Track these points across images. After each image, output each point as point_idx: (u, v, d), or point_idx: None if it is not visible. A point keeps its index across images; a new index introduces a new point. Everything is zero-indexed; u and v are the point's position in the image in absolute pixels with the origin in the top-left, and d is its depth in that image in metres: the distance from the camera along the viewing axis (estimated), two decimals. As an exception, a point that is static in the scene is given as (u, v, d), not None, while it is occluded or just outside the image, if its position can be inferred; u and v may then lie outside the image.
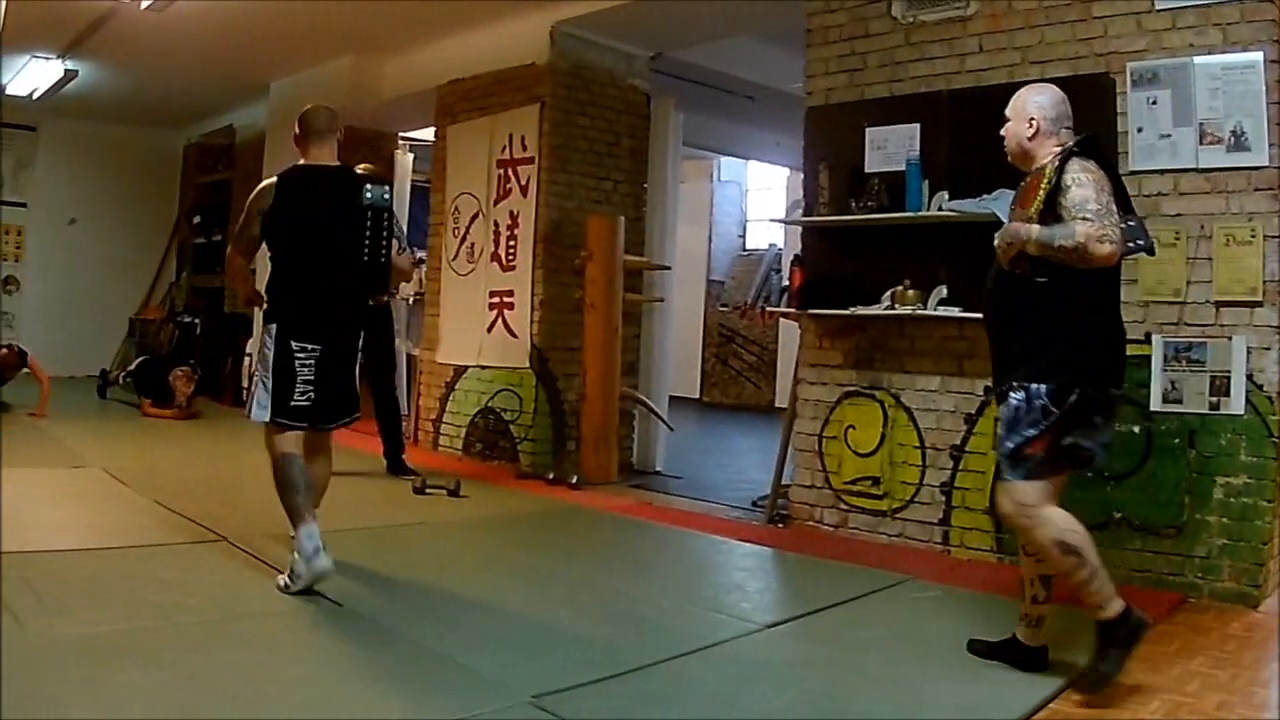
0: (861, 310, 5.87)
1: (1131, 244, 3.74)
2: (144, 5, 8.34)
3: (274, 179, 4.98)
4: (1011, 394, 3.73)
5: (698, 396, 15.81)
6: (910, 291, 5.64)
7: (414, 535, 6.01)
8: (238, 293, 5.80)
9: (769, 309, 7.47)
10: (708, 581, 5.34)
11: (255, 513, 6.15)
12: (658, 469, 8.65)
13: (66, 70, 10.99)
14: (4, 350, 10.34)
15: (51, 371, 12.22)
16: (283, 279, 4.83)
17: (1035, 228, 3.64)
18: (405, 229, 12.47)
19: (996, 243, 3.80)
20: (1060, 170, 3.66)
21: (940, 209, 5.59)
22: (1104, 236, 3.50)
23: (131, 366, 11.31)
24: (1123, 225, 3.62)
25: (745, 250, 16.74)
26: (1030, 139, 3.85)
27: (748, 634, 4.29)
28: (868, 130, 6.04)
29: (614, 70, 8.66)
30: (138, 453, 7.94)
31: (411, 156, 12.47)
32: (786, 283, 6.82)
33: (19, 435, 8.87)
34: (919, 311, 5.63)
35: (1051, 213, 3.63)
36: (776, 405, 14.56)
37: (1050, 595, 3.85)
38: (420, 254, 9.36)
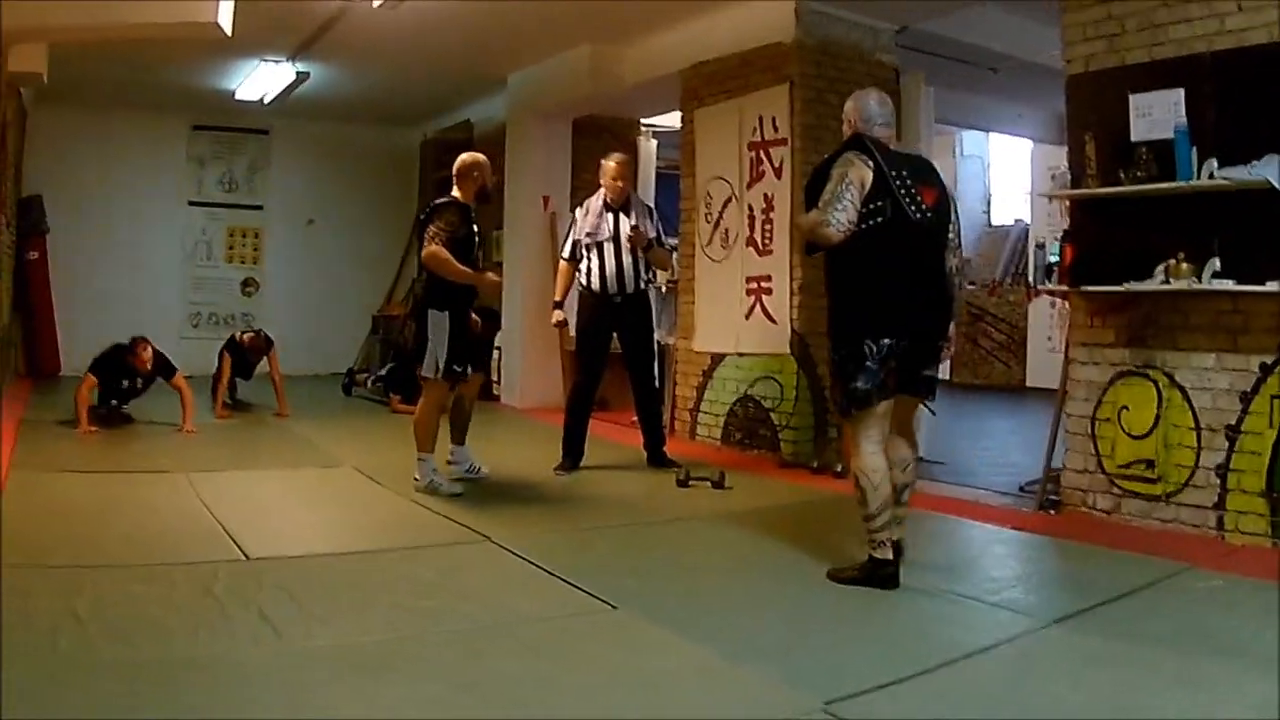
0: (1135, 286, 6.03)
1: (870, 223, 4.77)
2: (376, 3, 8.86)
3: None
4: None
5: (947, 378, 15.77)
6: (1184, 265, 5.79)
7: (681, 530, 6.33)
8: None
9: (1039, 288, 7.57)
10: (986, 574, 5.46)
11: (516, 510, 6.69)
12: (921, 454, 8.80)
13: (298, 73, 11.88)
14: (251, 334, 11.31)
15: (294, 371, 13.39)
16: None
17: (801, 215, 5.02)
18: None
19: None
20: (828, 164, 4.94)
21: (1211, 177, 5.69)
22: (824, 222, 4.76)
23: (382, 371, 12.16)
24: (869, 206, 4.76)
25: (991, 226, 16.84)
26: (846, 134, 5.10)
27: (1034, 630, 4.37)
28: (1131, 97, 6.16)
29: (861, 45, 8.96)
30: (389, 451, 8.39)
31: (654, 143, 13.00)
32: (1054, 258, 6.97)
33: (268, 436, 9.78)
34: (1194, 286, 5.76)
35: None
36: (1028, 385, 14.76)
37: (901, 503, 5.10)
38: (671, 240, 9.80)
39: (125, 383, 9.70)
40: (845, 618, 4.55)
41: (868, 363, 4.83)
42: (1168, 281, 5.86)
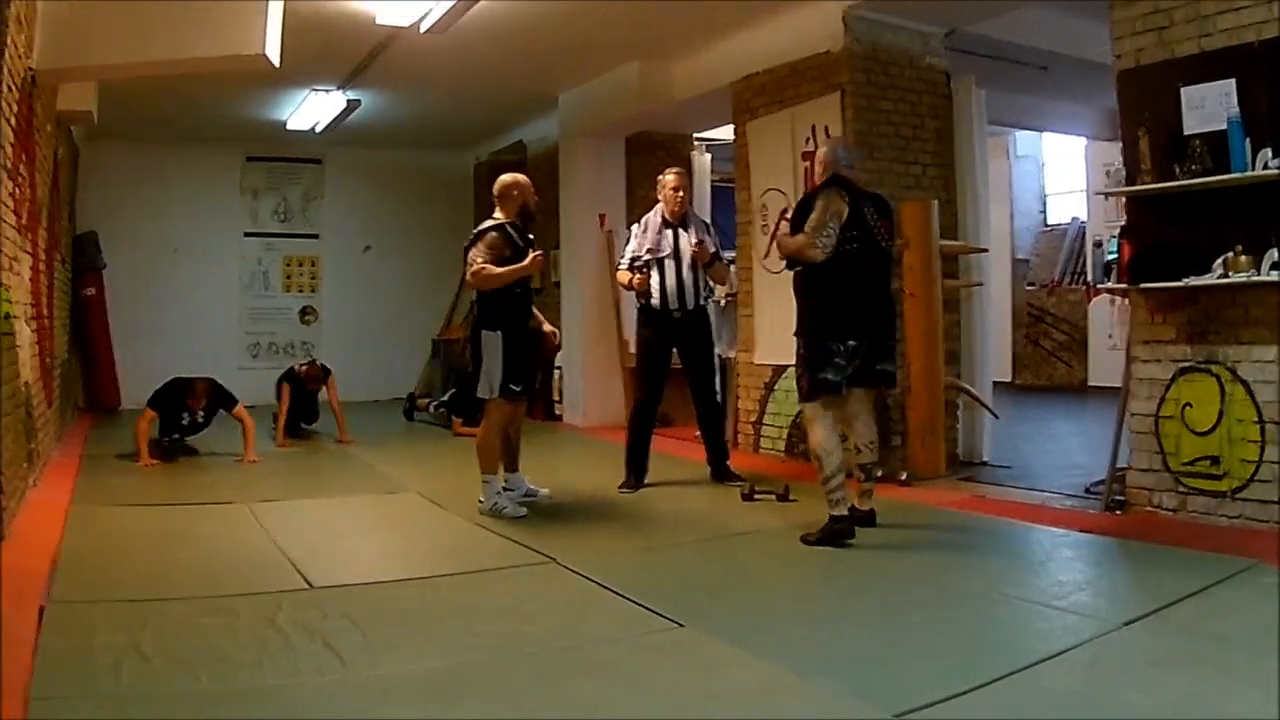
0: (1195, 281, 6.06)
1: (847, 247, 6.07)
2: (424, 29, 8.93)
3: None
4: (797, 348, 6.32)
5: (1009, 379, 15.96)
6: (1243, 257, 5.82)
7: (746, 545, 6.40)
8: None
9: (1099, 286, 7.59)
10: (1054, 578, 5.49)
11: (581, 530, 6.80)
12: (985, 459, 8.94)
13: (349, 101, 12.10)
14: (307, 364, 11.50)
15: (354, 397, 13.76)
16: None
17: (787, 237, 6.33)
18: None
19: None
20: (812, 196, 6.23)
21: (1266, 167, 5.72)
22: (810, 244, 6.05)
23: (444, 396, 12.31)
24: (846, 234, 6.06)
25: (1047, 226, 16.81)
26: (820, 174, 6.46)
27: (1104, 634, 4.37)
28: (1182, 90, 6.20)
29: (910, 50, 9.01)
30: (452, 474, 8.49)
31: (709, 157, 13.11)
32: (1112, 256, 6.99)
33: (330, 463, 9.95)
34: (1254, 279, 5.78)
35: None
36: (1090, 384, 14.77)
37: (869, 478, 6.58)
38: (728, 254, 9.88)
39: (185, 418, 9.88)
40: (914, 628, 4.59)
41: (837, 359, 6.13)
42: (1226, 275, 5.89)
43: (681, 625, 4.60)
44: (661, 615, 4.74)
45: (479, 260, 7.11)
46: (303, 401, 11.37)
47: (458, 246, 7.45)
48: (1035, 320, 16.03)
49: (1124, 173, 6.58)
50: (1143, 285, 6.38)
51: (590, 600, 5.11)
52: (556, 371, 12.84)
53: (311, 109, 12.51)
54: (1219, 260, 5.94)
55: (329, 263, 16.04)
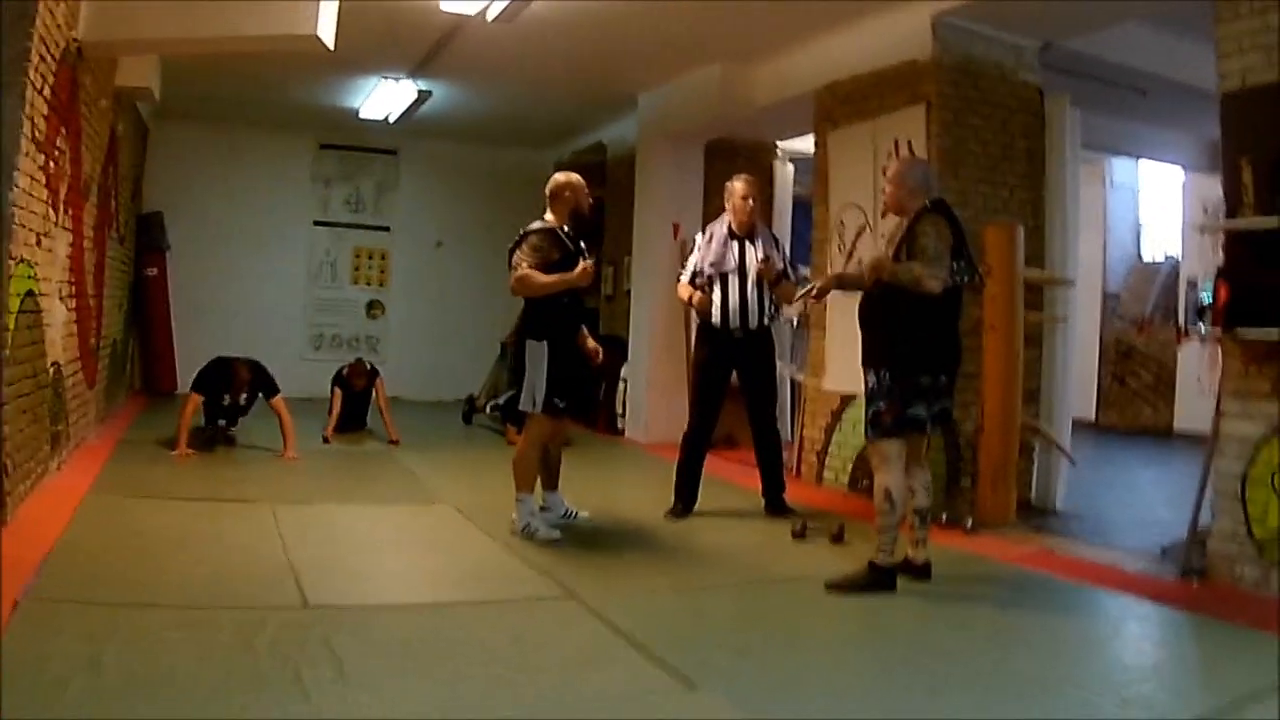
0: None
1: (957, 279, 5.82)
2: (491, 18, 8.66)
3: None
4: (868, 375, 5.93)
5: (1093, 419, 15.28)
6: (1349, 310, 5.23)
7: (786, 594, 5.94)
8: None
9: (1189, 329, 7.06)
10: (1119, 659, 5.04)
11: (613, 562, 6.43)
12: (1058, 507, 8.42)
13: (420, 91, 11.85)
14: (351, 365, 11.29)
15: (417, 396, 14.03)
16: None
17: (890, 261, 5.81)
18: (789, 247, 12.76)
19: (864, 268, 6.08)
20: (915, 222, 5.79)
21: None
22: (932, 275, 5.60)
23: (500, 400, 11.93)
24: (953, 265, 5.74)
25: (1141, 260, 16.10)
26: (901, 197, 6.01)
27: None
28: None
29: (1002, 64, 8.50)
30: (495, 486, 7.98)
31: (791, 168, 12.71)
32: (1205, 297, 6.48)
33: (371, 467, 9.69)
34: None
35: (908, 252, 5.74)
36: (1176, 429, 14.08)
37: (925, 524, 6.13)
38: (804, 270, 9.46)
39: (227, 398, 9.68)
40: (962, 710, 4.12)
41: (927, 394, 5.85)
42: (1327, 331, 5.32)
43: (694, 687, 4.21)
44: (675, 672, 4.35)
45: (523, 264, 6.75)
46: (355, 404, 11.18)
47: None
48: (1122, 358, 15.34)
49: (1223, 207, 6.03)
50: (1238, 331, 5.81)
51: (601, 648, 4.72)
52: (622, 384, 12.45)
53: (383, 97, 12.26)
54: (1322, 310, 5.37)
55: (399, 257, 15.82)
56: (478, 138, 15.13)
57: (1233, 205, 5.94)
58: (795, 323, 10.21)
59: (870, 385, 5.93)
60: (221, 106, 13.34)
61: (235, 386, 9.62)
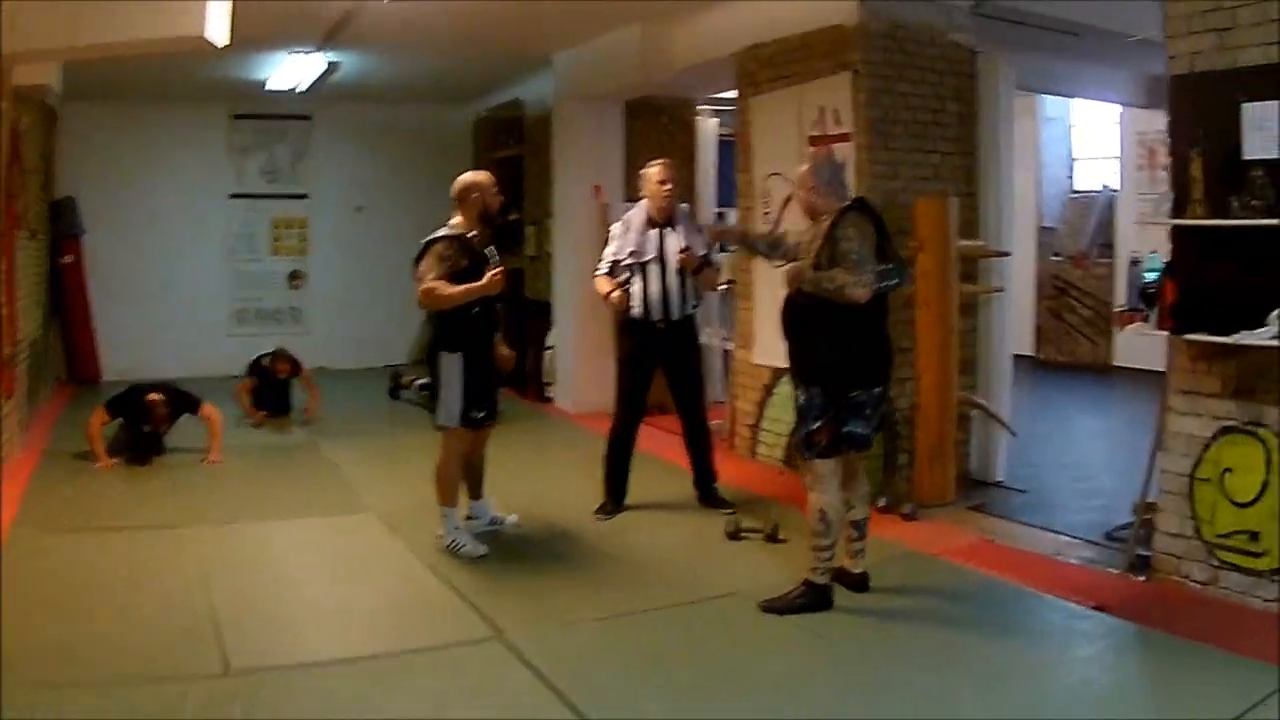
0: (1247, 338, 5.05)
1: (884, 285, 5.30)
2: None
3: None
4: (798, 391, 5.47)
5: (1032, 354, 14.98)
6: (1311, 315, 4.80)
7: (722, 617, 5.48)
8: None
9: (1135, 319, 6.62)
10: (1059, 683, 4.67)
11: (540, 583, 6.02)
12: (999, 479, 8.07)
13: (329, 63, 11.23)
14: (273, 354, 10.90)
15: (346, 365, 13.73)
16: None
17: (810, 270, 5.28)
18: (714, 194, 12.31)
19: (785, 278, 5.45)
20: (834, 225, 5.27)
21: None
22: (857, 282, 5.09)
23: (425, 380, 11.46)
24: (879, 269, 5.21)
25: (1075, 193, 15.70)
26: (814, 200, 5.48)
27: None
28: (1244, 106, 5.13)
29: (933, 25, 7.95)
30: (419, 483, 7.18)
31: (715, 120, 12.22)
32: (1149, 276, 6.09)
33: (295, 463, 9.23)
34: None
35: (829, 258, 5.23)
36: (1115, 364, 13.89)
37: (863, 536, 5.70)
38: (719, 260, 8.94)
39: (146, 427, 9.08)
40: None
41: (867, 410, 5.39)
42: (1281, 336, 4.89)
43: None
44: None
45: (429, 276, 6.24)
46: (274, 389, 10.79)
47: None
48: (1060, 293, 14.98)
49: (1171, 198, 5.57)
50: (1187, 337, 5.38)
51: (524, 703, 4.43)
52: (548, 352, 11.96)
53: (291, 70, 11.58)
54: (1275, 313, 4.92)
55: (319, 224, 15.08)
56: (393, 98, 14.38)
57: (1181, 199, 5.46)
58: (721, 290, 9.74)
59: (800, 403, 5.46)
60: (129, 86, 12.55)
61: (154, 421, 9.06)
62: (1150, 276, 6.32)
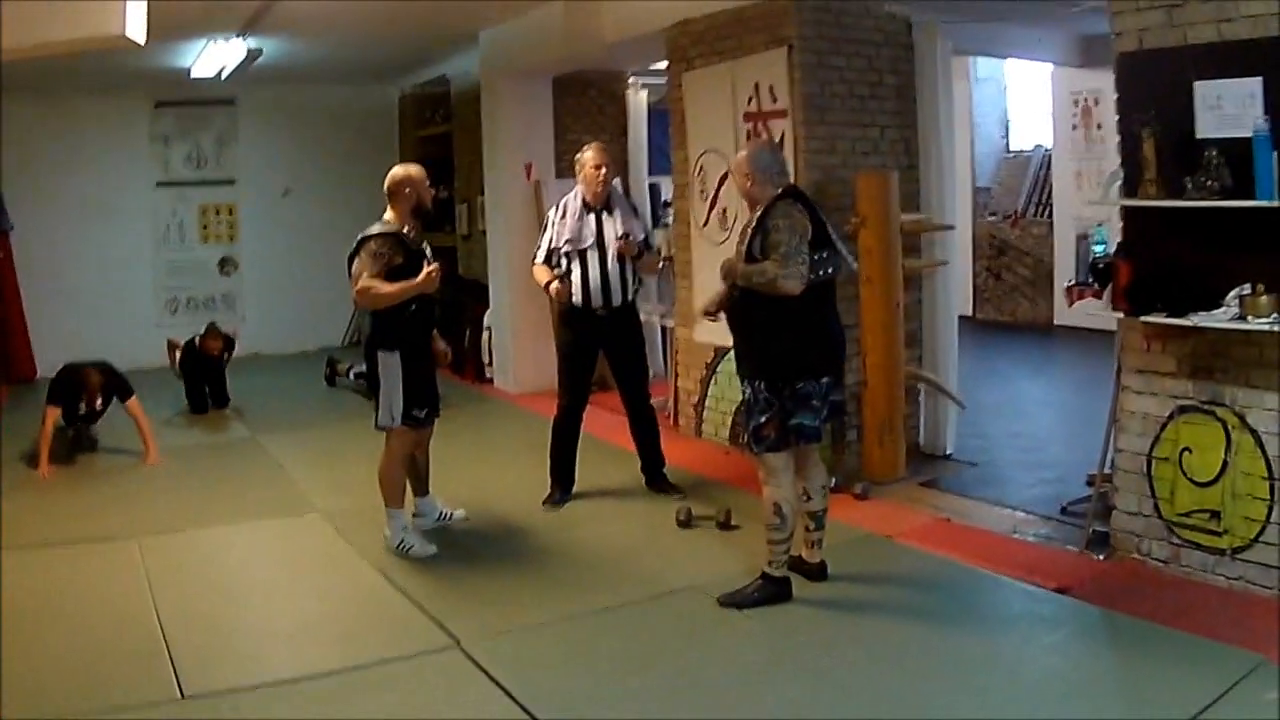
0: (1204, 320, 4.89)
1: (820, 273, 5.11)
2: None
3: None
4: (743, 384, 5.34)
5: (970, 314, 14.85)
6: (1263, 298, 4.66)
7: (678, 613, 5.32)
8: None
9: (1077, 287, 6.45)
10: (1027, 674, 4.54)
11: (492, 584, 5.84)
12: (948, 452, 7.96)
13: (250, 50, 10.82)
14: (203, 332, 10.55)
15: (281, 349, 14.08)
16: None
17: (741, 264, 5.17)
18: (645, 169, 12.10)
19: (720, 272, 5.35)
20: (765, 216, 5.13)
21: (1298, 191, 4.53)
22: (788, 275, 4.93)
23: (361, 367, 11.22)
24: (815, 257, 5.05)
25: (1010, 152, 15.60)
26: (751, 189, 5.29)
27: None
28: (1196, 85, 4.96)
29: (868, -4, 7.76)
30: (364, 479, 6.85)
31: (645, 93, 12.05)
32: (1097, 250, 5.93)
33: (236, 461, 8.91)
34: (1277, 328, 4.66)
35: (760, 249, 5.08)
36: (1055, 323, 13.79)
37: (820, 526, 5.53)
38: (657, 236, 8.72)
39: (82, 406, 8.81)
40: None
41: (814, 401, 5.19)
42: (1244, 318, 4.73)
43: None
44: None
45: (365, 275, 5.98)
46: (210, 375, 10.49)
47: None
48: (997, 253, 14.89)
49: (1120, 176, 5.41)
50: (1143, 319, 5.21)
51: (488, 716, 4.31)
52: (486, 332, 11.71)
53: (213, 57, 11.13)
54: (1233, 294, 4.78)
55: (247, 210, 14.64)
56: (317, 78, 13.93)
57: (1133, 179, 5.27)
58: (660, 267, 9.51)
59: (747, 397, 5.34)
60: (50, 78, 12.02)
61: (89, 393, 8.76)
62: (1098, 249, 6.14)
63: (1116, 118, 5.47)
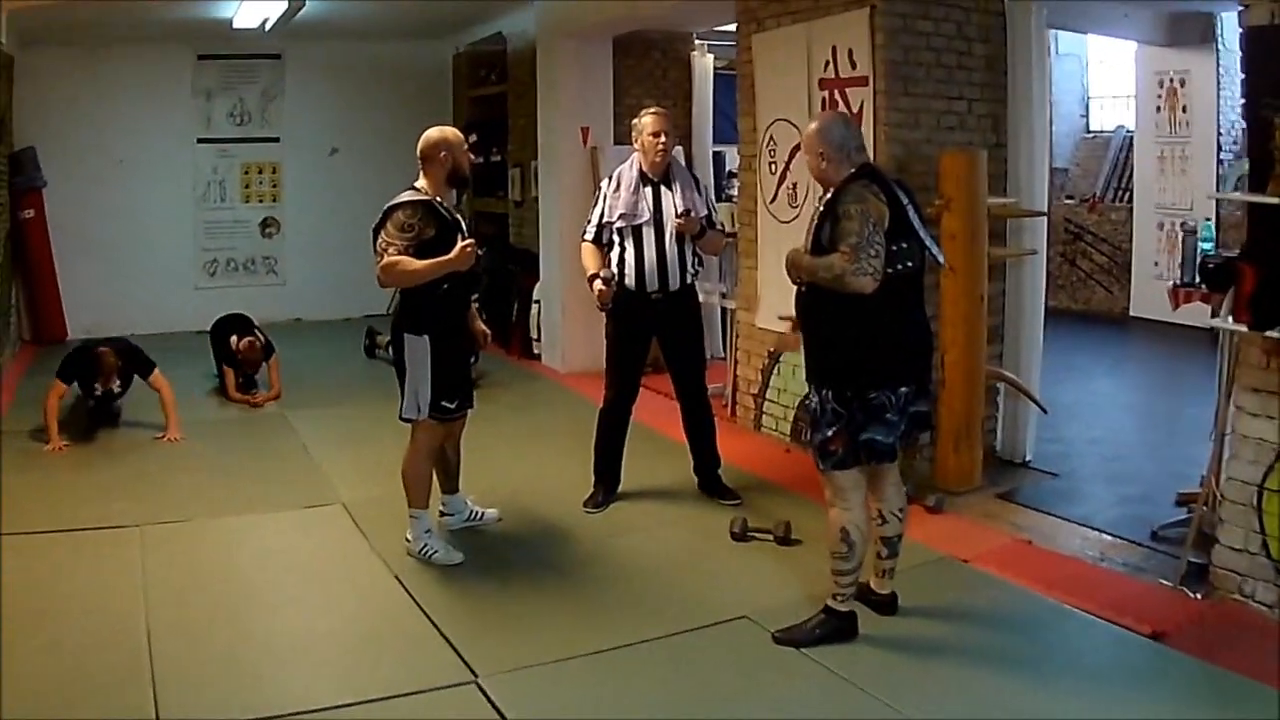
0: None
1: (899, 266, 4.52)
2: None
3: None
4: (810, 396, 4.76)
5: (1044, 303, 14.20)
6: None
7: (727, 652, 4.81)
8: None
9: (1184, 288, 5.86)
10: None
11: (521, 604, 5.38)
12: (1027, 458, 7.42)
13: (291, 1, 10.42)
14: (245, 343, 9.90)
15: (322, 315, 13.86)
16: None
17: (806, 257, 4.62)
18: (710, 138, 11.63)
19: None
20: (835, 200, 4.53)
21: None
22: (858, 270, 4.33)
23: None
24: (894, 248, 4.46)
25: (1089, 133, 14.99)
26: (824, 168, 4.69)
27: None
28: None
29: (958, -45, 7.17)
30: (392, 465, 6.21)
31: (710, 57, 11.70)
32: (1206, 247, 5.34)
33: (261, 441, 8.53)
34: None
35: (830, 238, 4.50)
36: (1131, 314, 13.21)
37: (893, 554, 4.97)
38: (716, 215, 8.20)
39: (98, 387, 8.49)
40: None
41: (888, 414, 4.61)
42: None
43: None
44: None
45: (391, 249, 5.53)
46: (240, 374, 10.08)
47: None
48: (1073, 238, 14.21)
49: (1245, 168, 4.85)
50: (1267, 334, 4.65)
51: None
52: (535, 306, 11.26)
53: (256, 7, 10.76)
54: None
55: (291, 169, 14.26)
56: (366, 33, 13.52)
57: (1261, 171, 4.70)
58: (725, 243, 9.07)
59: (813, 406, 4.75)
60: (89, 29, 11.71)
61: (104, 375, 8.43)
62: (1207, 248, 5.56)
63: (1242, 101, 4.94)
